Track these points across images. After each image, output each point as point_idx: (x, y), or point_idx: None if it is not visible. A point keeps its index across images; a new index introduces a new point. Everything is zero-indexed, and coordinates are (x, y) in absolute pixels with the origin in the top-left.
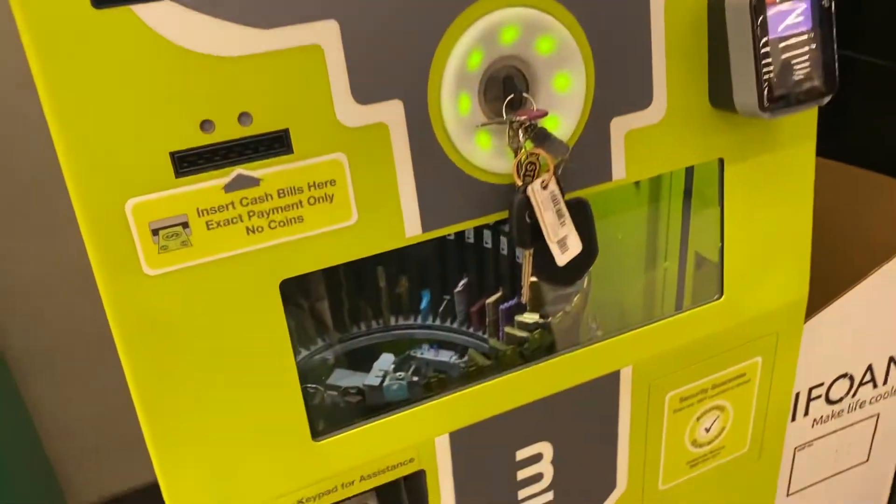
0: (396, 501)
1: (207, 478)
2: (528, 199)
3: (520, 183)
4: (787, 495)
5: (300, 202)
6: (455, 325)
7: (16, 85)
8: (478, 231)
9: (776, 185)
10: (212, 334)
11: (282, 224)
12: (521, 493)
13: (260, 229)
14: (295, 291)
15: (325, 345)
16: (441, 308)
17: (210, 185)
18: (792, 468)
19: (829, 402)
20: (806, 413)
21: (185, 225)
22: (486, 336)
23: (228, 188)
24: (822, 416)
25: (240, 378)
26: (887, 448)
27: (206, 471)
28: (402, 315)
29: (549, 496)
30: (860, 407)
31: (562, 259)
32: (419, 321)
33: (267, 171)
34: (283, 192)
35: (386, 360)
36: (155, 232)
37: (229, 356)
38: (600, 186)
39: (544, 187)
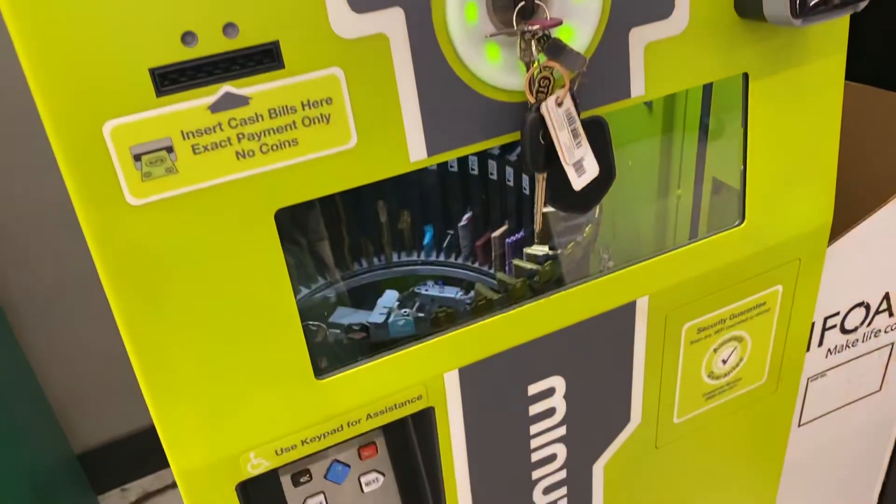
0: (404, 440)
1: (205, 420)
2: (541, 117)
3: (532, 100)
4: (799, 426)
5: (294, 123)
6: (459, 261)
7: None
8: (482, 161)
9: (803, 102)
10: (204, 268)
11: (275, 148)
12: (534, 428)
13: (251, 153)
14: (293, 227)
15: (325, 283)
16: (445, 243)
17: (195, 104)
18: (804, 399)
19: (843, 331)
20: (820, 343)
21: (169, 149)
22: (492, 271)
23: (215, 108)
24: (836, 346)
25: (236, 314)
26: None
27: (203, 412)
28: (405, 251)
29: (562, 431)
30: (875, 336)
31: (578, 183)
32: (422, 257)
33: (256, 88)
34: (275, 112)
35: (390, 297)
36: (137, 157)
37: (223, 291)
38: (618, 104)
39: (559, 104)
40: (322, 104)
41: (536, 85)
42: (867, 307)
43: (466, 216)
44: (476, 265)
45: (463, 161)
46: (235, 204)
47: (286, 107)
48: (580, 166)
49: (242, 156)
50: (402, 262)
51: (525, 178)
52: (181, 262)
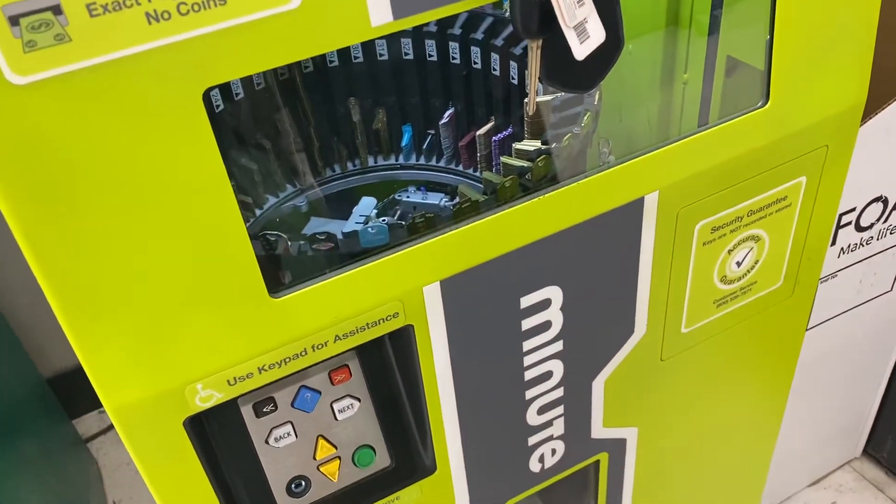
0: (381, 362)
1: (137, 349)
2: None
3: None
4: (807, 330)
5: None
6: (442, 164)
7: None
8: (465, 49)
9: None
10: (115, 164)
11: (196, 8)
12: (527, 345)
13: (166, 16)
14: (254, 128)
15: (295, 191)
16: (425, 144)
17: None
18: (813, 301)
19: (858, 228)
20: (833, 242)
21: (56, 10)
22: (478, 174)
23: None
24: (850, 245)
25: (161, 221)
26: None
27: (133, 341)
28: (382, 154)
29: (559, 346)
30: (891, 233)
31: (580, 50)
32: (401, 161)
33: None
34: None
35: (367, 205)
36: (14, 21)
37: (143, 193)
38: None
39: None
40: None
41: None
42: (885, 202)
43: (448, 113)
44: (460, 168)
45: (443, 49)
46: (150, 82)
47: None
48: (583, 30)
49: (155, 18)
50: (378, 166)
51: (513, 67)
52: (86, 157)
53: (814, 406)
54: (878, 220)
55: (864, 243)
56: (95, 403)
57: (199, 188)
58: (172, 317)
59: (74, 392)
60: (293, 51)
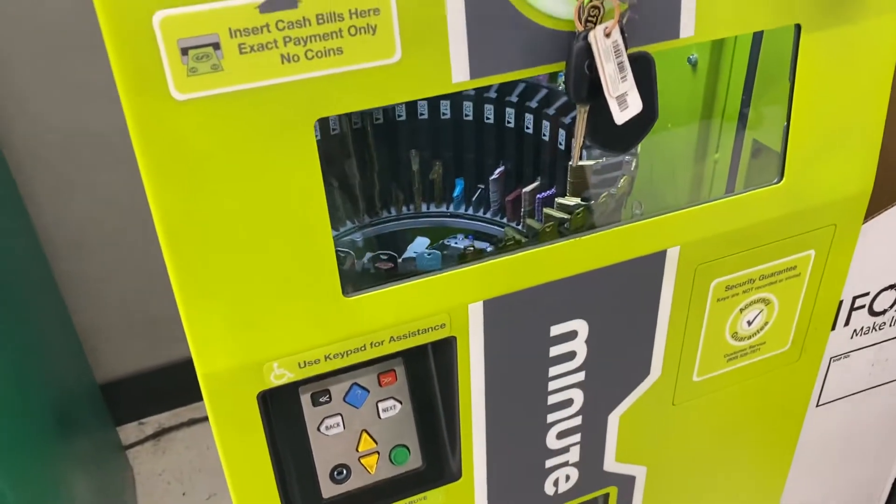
0: (424, 370)
1: (233, 324)
2: (588, 47)
3: (581, 28)
4: (817, 406)
5: (340, 31)
6: (489, 215)
7: None
8: (519, 114)
9: (855, 61)
10: (242, 171)
11: (319, 55)
12: (553, 370)
13: (296, 58)
14: (326, 167)
15: (354, 226)
16: (475, 196)
17: (244, 2)
18: (825, 378)
19: (872, 313)
20: (847, 323)
21: (216, 46)
22: (522, 228)
23: (263, 8)
24: (863, 328)
25: (269, 221)
26: None
27: (231, 317)
28: (435, 202)
29: (581, 376)
30: None
31: (620, 116)
32: (452, 209)
33: None
34: (322, 18)
35: (420, 244)
36: (184, 51)
37: (259, 197)
38: (665, 44)
39: (607, 35)
40: (370, 14)
41: (586, 13)
42: None
43: (499, 170)
44: (505, 221)
45: (500, 113)
46: (277, 108)
47: (334, 13)
48: (623, 100)
49: (287, 60)
50: (430, 212)
51: (561, 134)
52: (220, 162)
53: (822, 486)
54: (892, 307)
55: (878, 328)
56: (137, 414)
57: (303, 199)
58: (264, 303)
59: (120, 400)
60: (389, 95)
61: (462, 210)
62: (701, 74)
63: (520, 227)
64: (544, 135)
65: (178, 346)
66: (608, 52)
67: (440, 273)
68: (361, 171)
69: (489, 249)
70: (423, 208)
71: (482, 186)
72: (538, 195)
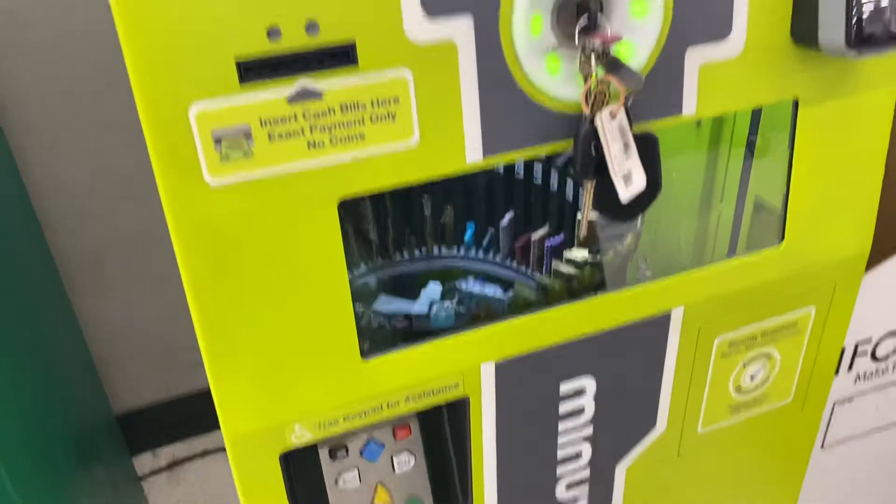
0: (438, 425)
1: (258, 389)
2: (594, 129)
3: (588, 112)
4: (822, 448)
5: (362, 119)
6: (498, 259)
7: None
8: (528, 165)
9: (851, 132)
10: (270, 248)
11: (343, 140)
12: (562, 426)
13: (321, 144)
14: (343, 214)
15: (368, 269)
16: (485, 241)
17: (274, 95)
18: (829, 422)
19: (874, 358)
20: (850, 368)
21: (247, 135)
22: (530, 273)
23: (292, 99)
24: (865, 373)
25: (295, 293)
26: None
27: (257, 382)
28: (446, 245)
29: (589, 430)
30: None
31: (625, 194)
32: (462, 252)
33: (331, 83)
34: (346, 108)
35: (434, 290)
36: (217, 140)
37: (286, 271)
38: (669, 120)
39: (613, 118)
40: (390, 103)
41: (592, 97)
42: None
43: (508, 216)
44: (514, 264)
45: (509, 164)
46: (303, 190)
47: (357, 103)
48: (628, 178)
49: (313, 146)
50: (442, 255)
51: (569, 184)
52: (250, 241)
53: None
54: (894, 352)
55: (880, 373)
56: (151, 444)
57: (325, 270)
58: (288, 369)
59: (136, 431)
60: (407, 176)
61: (473, 253)
62: (705, 130)
63: (528, 272)
64: (552, 185)
65: (192, 378)
66: (614, 133)
67: (453, 335)
68: (375, 216)
69: (497, 295)
70: (435, 251)
71: (492, 230)
72: (547, 242)
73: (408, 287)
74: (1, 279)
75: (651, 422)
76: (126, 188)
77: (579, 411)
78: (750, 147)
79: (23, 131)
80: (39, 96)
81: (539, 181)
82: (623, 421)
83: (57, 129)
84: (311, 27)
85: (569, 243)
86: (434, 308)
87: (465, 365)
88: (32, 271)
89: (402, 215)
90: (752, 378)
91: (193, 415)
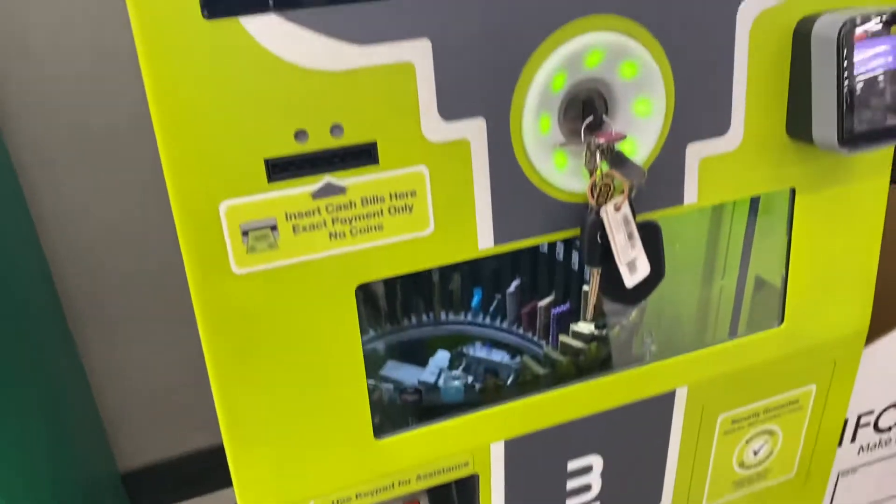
0: (446, 501)
1: (277, 469)
2: (600, 220)
3: (594, 204)
4: None
5: (381, 211)
6: (505, 325)
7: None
8: None
9: (846, 217)
10: (290, 333)
11: (362, 231)
12: (570, 502)
13: (342, 235)
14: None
15: (376, 335)
16: (492, 307)
17: (299, 191)
18: (834, 493)
19: (877, 430)
20: (853, 439)
21: (273, 228)
22: (537, 339)
23: (316, 195)
24: (868, 444)
25: (313, 375)
26: None
27: (275, 463)
28: (453, 311)
29: None
30: None
31: (630, 281)
32: (469, 318)
33: (353, 180)
34: (367, 201)
35: (442, 358)
36: (245, 233)
37: (305, 354)
38: (671, 210)
39: (617, 209)
40: (407, 196)
41: (598, 190)
42: None
43: (515, 284)
44: (521, 331)
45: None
46: (324, 277)
47: (376, 196)
48: (633, 266)
49: (334, 236)
50: (449, 320)
51: (574, 255)
52: (271, 324)
53: None
54: None
55: (884, 444)
56: (156, 502)
57: (343, 354)
58: (304, 448)
59: (139, 490)
60: (423, 262)
61: (480, 320)
62: (706, 209)
63: (535, 339)
64: (558, 255)
65: (198, 436)
66: (618, 224)
67: (465, 415)
68: (385, 283)
69: (504, 361)
70: (443, 316)
71: (499, 297)
72: (553, 310)
73: (416, 352)
74: (11, 330)
75: (656, 498)
76: (140, 243)
77: (586, 488)
78: (750, 226)
79: (45, 192)
80: (54, 156)
81: (545, 250)
82: (629, 497)
83: (73, 191)
84: (336, 129)
85: (575, 311)
86: (443, 377)
87: (476, 443)
88: (44, 326)
89: (410, 281)
90: (755, 453)
91: (199, 473)
